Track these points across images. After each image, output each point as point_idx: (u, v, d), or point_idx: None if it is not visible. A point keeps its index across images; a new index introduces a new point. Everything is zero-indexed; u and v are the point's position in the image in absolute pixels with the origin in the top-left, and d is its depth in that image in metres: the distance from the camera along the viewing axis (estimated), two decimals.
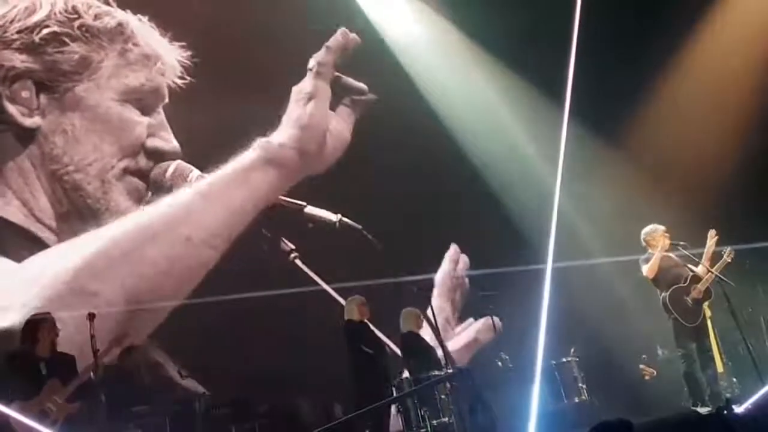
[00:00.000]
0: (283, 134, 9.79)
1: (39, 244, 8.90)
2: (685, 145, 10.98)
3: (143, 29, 9.50)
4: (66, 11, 9.16)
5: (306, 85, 9.97)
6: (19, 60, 8.95)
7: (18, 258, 8.73)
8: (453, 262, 10.82)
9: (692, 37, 11.39)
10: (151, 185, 9.37)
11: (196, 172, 9.43)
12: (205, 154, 9.52)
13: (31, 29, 9.01)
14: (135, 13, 9.47)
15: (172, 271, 9.09)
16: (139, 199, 9.32)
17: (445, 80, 11.23)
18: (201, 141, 9.53)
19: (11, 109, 8.93)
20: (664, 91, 11.43)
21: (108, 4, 9.38)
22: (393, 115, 10.34)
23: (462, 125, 11.16)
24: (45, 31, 9.03)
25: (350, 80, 10.28)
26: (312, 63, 10.00)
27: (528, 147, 11.16)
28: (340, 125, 10.26)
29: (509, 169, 11.13)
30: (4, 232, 8.88)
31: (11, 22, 9.00)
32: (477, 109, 11.21)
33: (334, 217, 9.93)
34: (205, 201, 9.38)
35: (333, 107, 10.25)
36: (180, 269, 9.14)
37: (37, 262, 8.73)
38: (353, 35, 10.28)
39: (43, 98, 9.03)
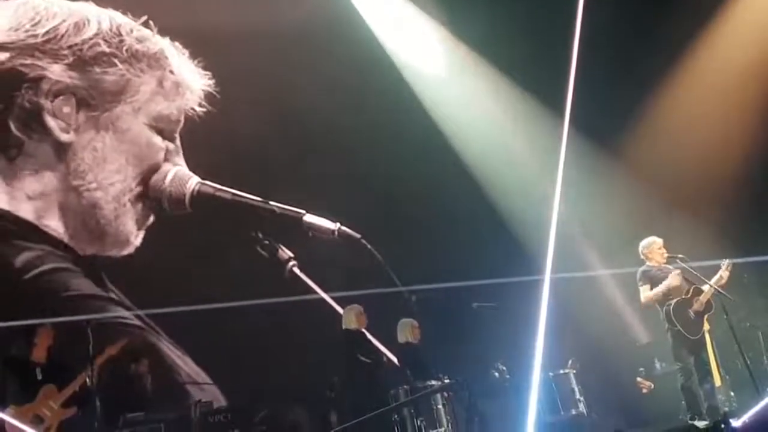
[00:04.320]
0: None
1: (48, 240, 8.91)
2: (686, 157, 10.94)
3: (177, 56, 9.54)
4: (111, 31, 9.20)
5: None
6: (66, 75, 8.99)
7: (18, 252, 8.77)
8: None
9: (693, 49, 11.37)
10: (150, 191, 9.36)
11: (195, 179, 9.41)
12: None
13: (80, 46, 9.05)
14: (172, 39, 9.53)
15: None
16: (142, 226, 9.32)
17: (443, 91, 11.24)
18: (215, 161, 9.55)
19: (51, 123, 8.96)
20: (665, 103, 11.41)
21: (149, 28, 9.38)
22: (393, 126, 10.36)
23: (461, 136, 11.17)
24: (95, 49, 9.08)
25: None
26: None
27: (527, 158, 11.15)
28: None
29: (508, 181, 11.12)
30: (12, 227, 8.89)
31: (61, 37, 9.03)
32: (477, 120, 11.21)
33: (332, 226, 9.88)
34: None
35: None
36: None
37: None
38: None
39: (81, 115, 9.06)
